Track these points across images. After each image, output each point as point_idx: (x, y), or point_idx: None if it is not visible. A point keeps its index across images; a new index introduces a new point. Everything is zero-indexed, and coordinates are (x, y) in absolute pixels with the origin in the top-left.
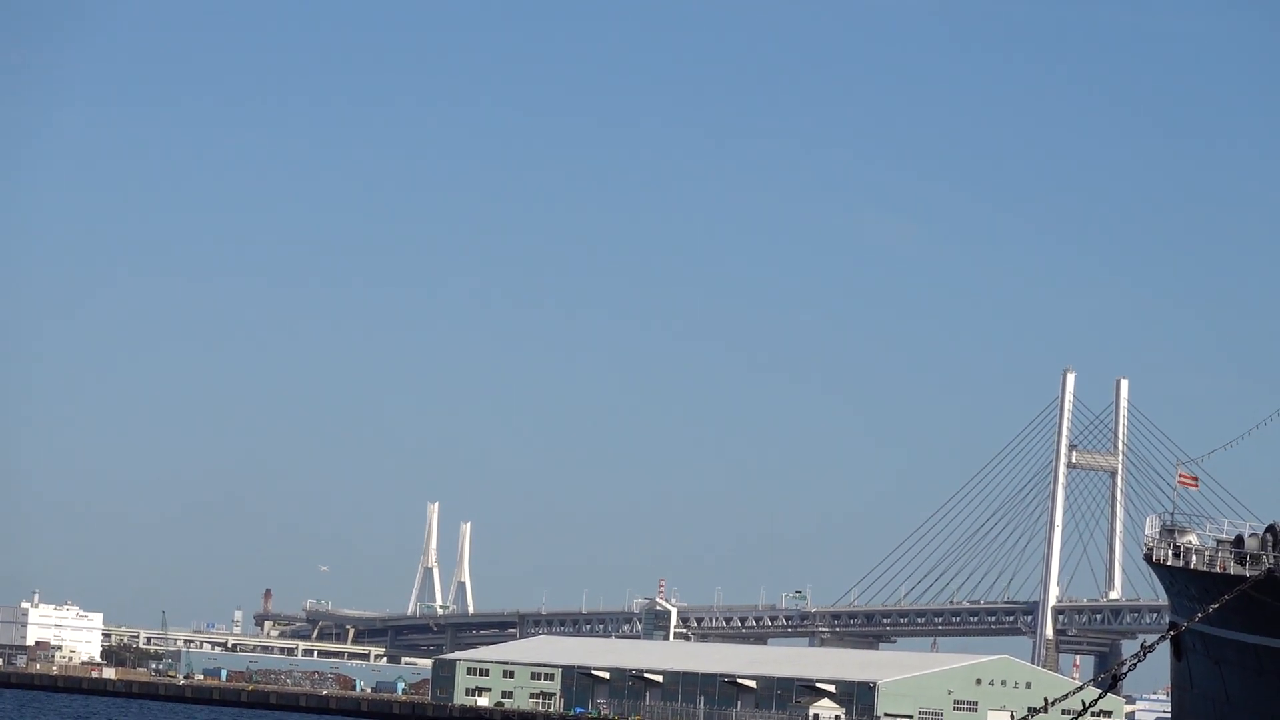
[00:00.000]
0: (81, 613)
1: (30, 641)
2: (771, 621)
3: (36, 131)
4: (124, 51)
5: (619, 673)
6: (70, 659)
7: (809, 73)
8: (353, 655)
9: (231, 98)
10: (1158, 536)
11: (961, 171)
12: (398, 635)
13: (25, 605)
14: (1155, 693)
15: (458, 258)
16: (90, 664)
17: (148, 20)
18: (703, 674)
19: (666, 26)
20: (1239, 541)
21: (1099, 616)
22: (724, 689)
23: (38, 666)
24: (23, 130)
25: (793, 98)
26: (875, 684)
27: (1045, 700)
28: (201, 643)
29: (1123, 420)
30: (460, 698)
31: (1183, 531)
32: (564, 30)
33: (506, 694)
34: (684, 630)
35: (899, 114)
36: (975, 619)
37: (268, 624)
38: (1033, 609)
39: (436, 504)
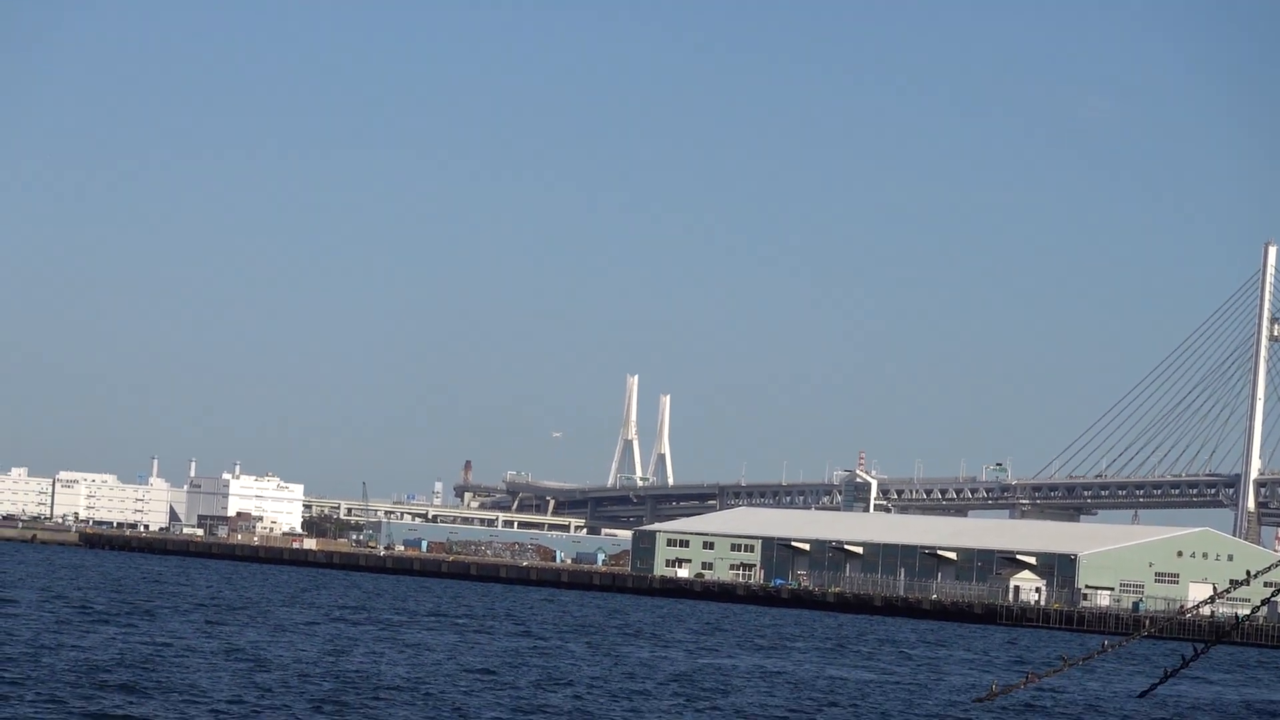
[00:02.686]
0: (282, 484)
1: (232, 512)
2: (971, 494)
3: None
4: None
5: (819, 544)
6: (271, 530)
7: None
8: (553, 527)
9: None
10: None
11: (1160, 43)
12: (597, 507)
13: (227, 476)
14: None
15: (656, 151)
16: (291, 535)
17: None
18: (902, 546)
19: None
20: None
21: None
22: (924, 560)
23: (239, 537)
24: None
25: None
26: (1076, 556)
27: (1247, 573)
28: (402, 514)
29: None
30: (660, 569)
31: None
32: None
33: (706, 565)
34: (884, 502)
35: None
36: (1176, 491)
37: (468, 495)
38: (1234, 482)
39: (636, 377)
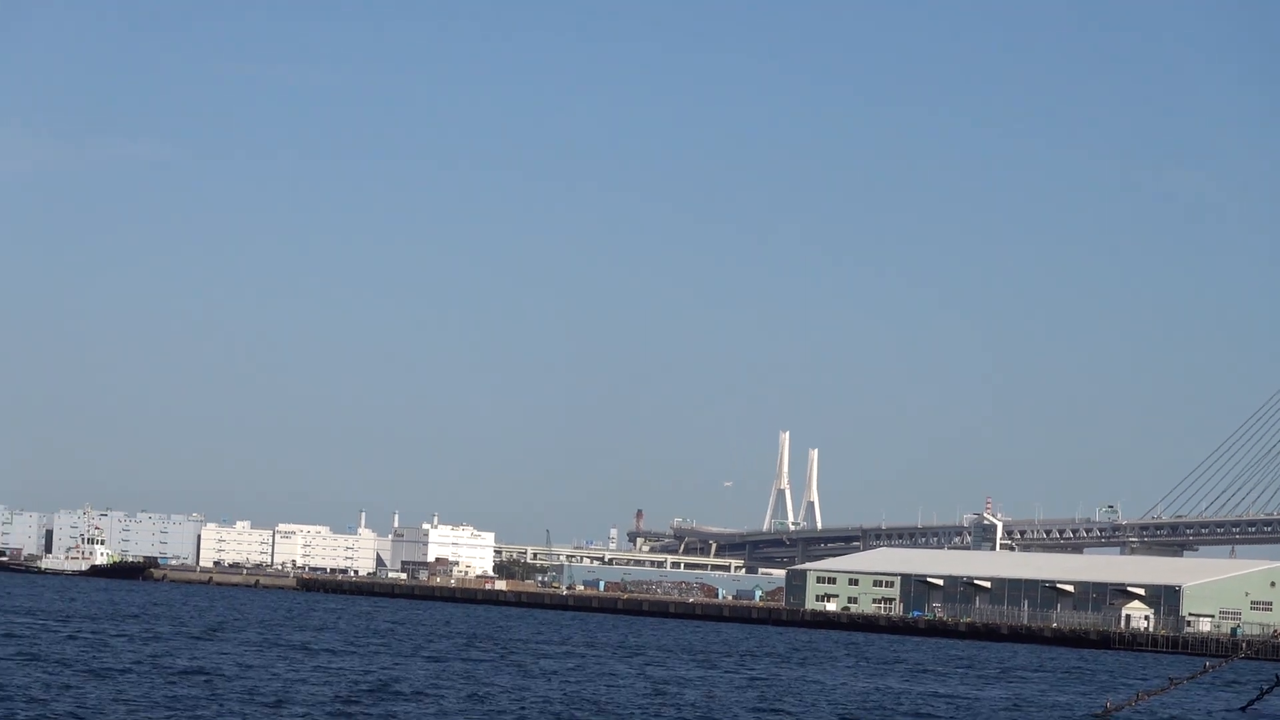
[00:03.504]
0: (476, 532)
1: (431, 558)
2: (1086, 533)
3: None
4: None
5: (951, 580)
6: (466, 573)
7: None
8: (715, 567)
9: None
10: None
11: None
12: (755, 549)
13: (426, 526)
14: None
15: (787, 203)
16: (484, 577)
17: None
18: (1026, 580)
19: None
20: None
21: None
22: (1045, 593)
23: (438, 580)
24: None
25: None
26: (1180, 587)
27: None
28: (581, 557)
29: None
30: (811, 603)
31: None
32: None
33: (852, 599)
34: (1008, 542)
35: None
36: (1270, 529)
37: (639, 540)
38: None
39: (787, 432)
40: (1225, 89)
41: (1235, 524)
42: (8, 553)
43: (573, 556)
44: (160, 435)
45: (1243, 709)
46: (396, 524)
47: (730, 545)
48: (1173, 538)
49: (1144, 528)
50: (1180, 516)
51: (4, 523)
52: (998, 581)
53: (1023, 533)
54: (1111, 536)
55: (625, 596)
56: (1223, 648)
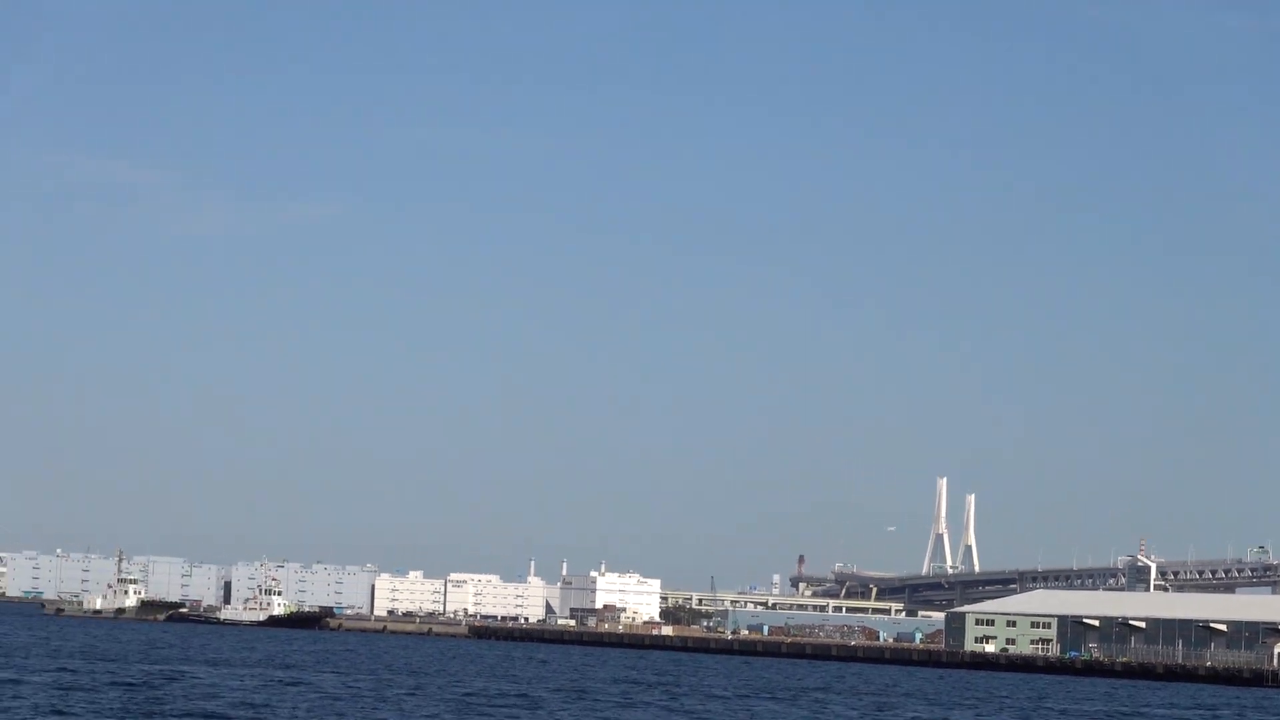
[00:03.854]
0: (642, 579)
1: (599, 604)
2: (1238, 573)
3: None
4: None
5: (1107, 620)
6: (634, 619)
7: None
8: (875, 610)
9: None
10: None
11: None
12: (914, 592)
13: (594, 574)
14: None
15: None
16: (650, 623)
17: None
18: (1180, 620)
19: None
20: None
21: None
22: (1199, 633)
23: (605, 626)
24: None
25: None
26: None
27: None
28: (745, 603)
29: None
30: (970, 644)
31: None
32: None
33: (1010, 641)
34: (1162, 582)
35: None
36: None
37: (801, 585)
38: None
39: (945, 478)
40: None
41: None
42: (187, 604)
43: (736, 602)
44: (335, 487)
45: None
46: (565, 571)
47: (890, 589)
48: None
49: None
50: None
51: (184, 575)
52: (1152, 621)
53: (1176, 573)
54: (1263, 576)
55: (789, 640)
56: None
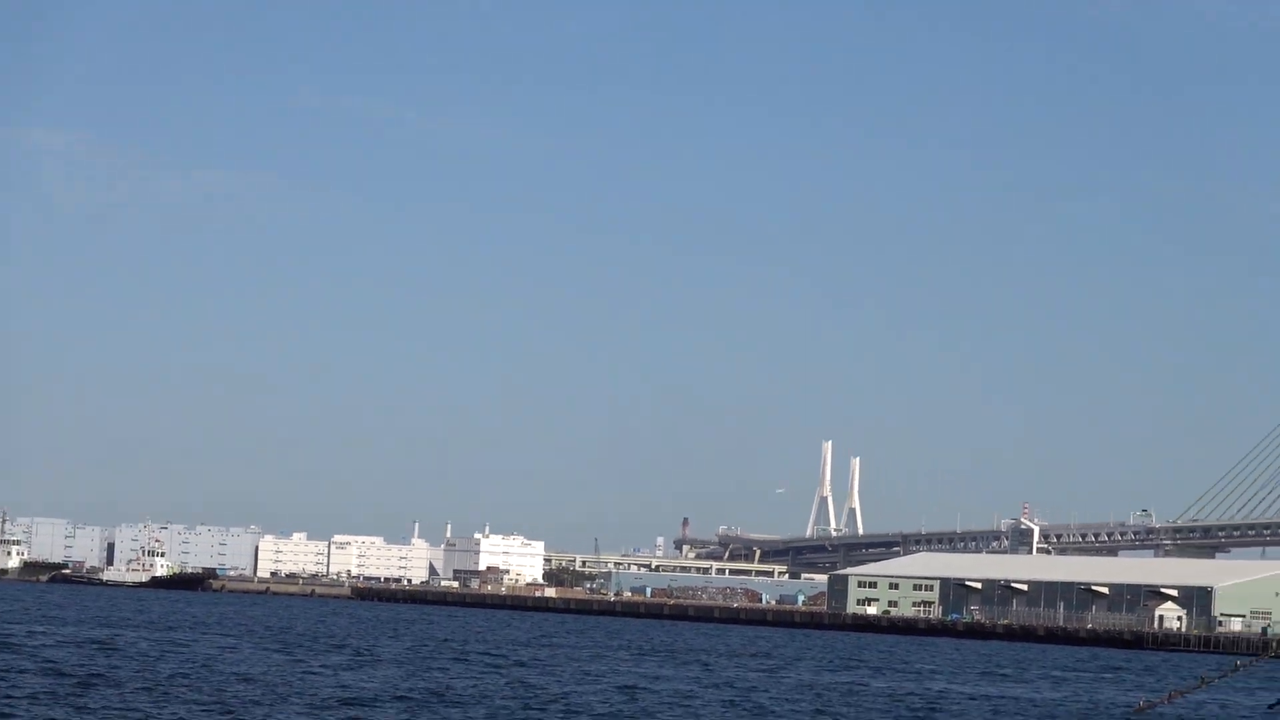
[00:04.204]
0: (526, 541)
1: (483, 566)
2: (1121, 536)
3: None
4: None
5: (989, 583)
6: (517, 581)
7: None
8: (759, 573)
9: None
10: None
11: None
12: (797, 555)
13: (478, 536)
14: None
15: (823, 217)
16: (534, 585)
17: None
18: (1062, 583)
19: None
20: None
21: None
22: (1080, 595)
23: (489, 588)
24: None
25: None
26: (1212, 588)
27: None
28: (629, 565)
29: None
30: (852, 607)
31: None
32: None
33: (892, 603)
34: (1044, 546)
35: None
36: None
37: (685, 547)
38: None
39: (830, 441)
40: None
41: (1266, 526)
42: (70, 565)
43: (620, 564)
44: (218, 449)
45: (1270, 707)
46: (449, 534)
47: (774, 552)
48: (1205, 540)
49: (1177, 530)
50: (1212, 519)
51: (68, 536)
52: (1034, 584)
53: (1059, 536)
54: (1145, 539)
55: (671, 603)
56: (1253, 647)
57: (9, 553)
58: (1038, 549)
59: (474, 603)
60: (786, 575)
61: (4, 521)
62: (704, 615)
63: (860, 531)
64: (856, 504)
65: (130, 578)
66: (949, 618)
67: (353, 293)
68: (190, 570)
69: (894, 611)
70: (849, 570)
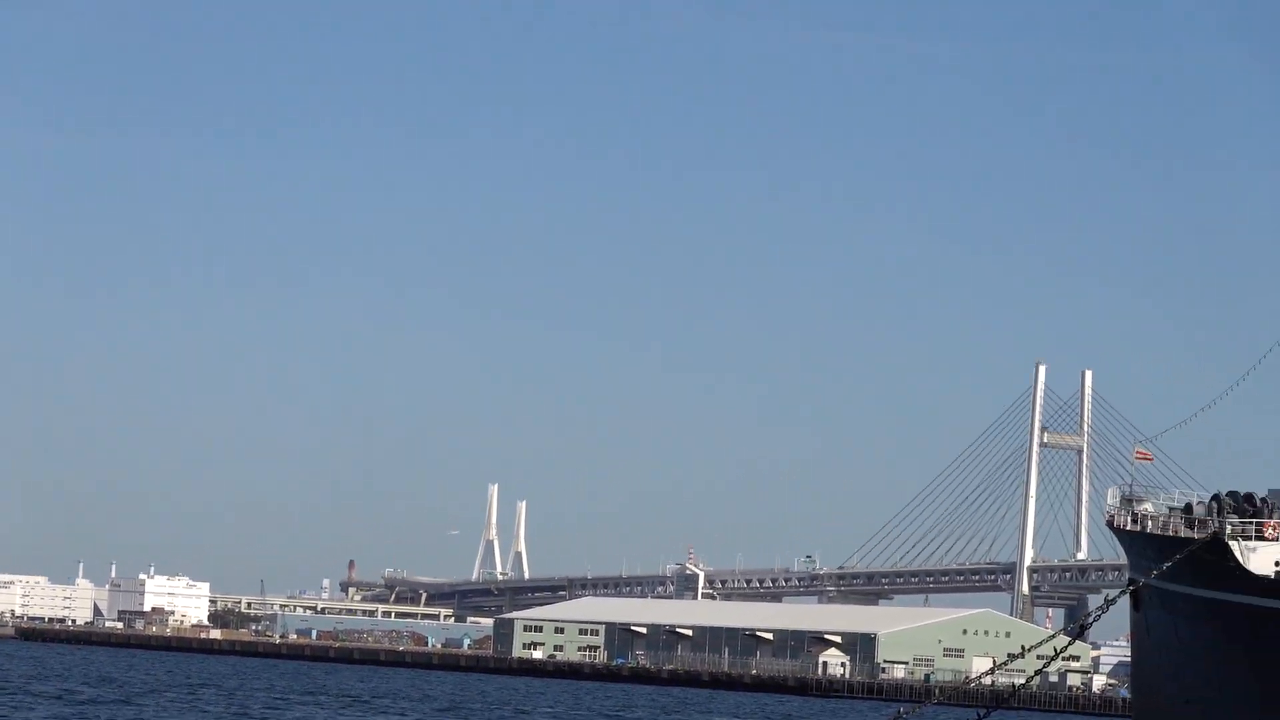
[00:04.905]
0: (191, 582)
1: (147, 607)
2: (785, 582)
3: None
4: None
5: (654, 628)
6: (182, 622)
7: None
8: (425, 616)
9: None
10: (1118, 505)
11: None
12: (464, 598)
13: (143, 576)
14: (1117, 639)
15: (504, 258)
16: (199, 626)
17: None
18: (727, 628)
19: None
20: (1189, 509)
21: (1068, 574)
22: (745, 641)
23: (154, 629)
24: None
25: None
26: (876, 635)
27: (1022, 647)
28: (295, 607)
29: (1087, 405)
30: (518, 651)
31: (1139, 500)
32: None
33: (558, 648)
34: (710, 591)
35: (876, 116)
36: (961, 578)
37: (351, 590)
38: (1011, 569)
39: (496, 485)
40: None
41: (928, 573)
42: None
43: (286, 606)
44: None
45: None
46: (114, 574)
47: (440, 595)
48: (869, 586)
49: (841, 577)
50: (875, 566)
51: None
52: (699, 629)
53: (724, 582)
54: (810, 585)
55: (337, 645)
56: (916, 694)
57: None
58: (703, 594)
59: (139, 644)
60: (453, 619)
61: None
62: (370, 659)
63: (526, 575)
64: (523, 548)
65: None
66: (615, 662)
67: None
68: None
69: (560, 655)
70: (515, 614)
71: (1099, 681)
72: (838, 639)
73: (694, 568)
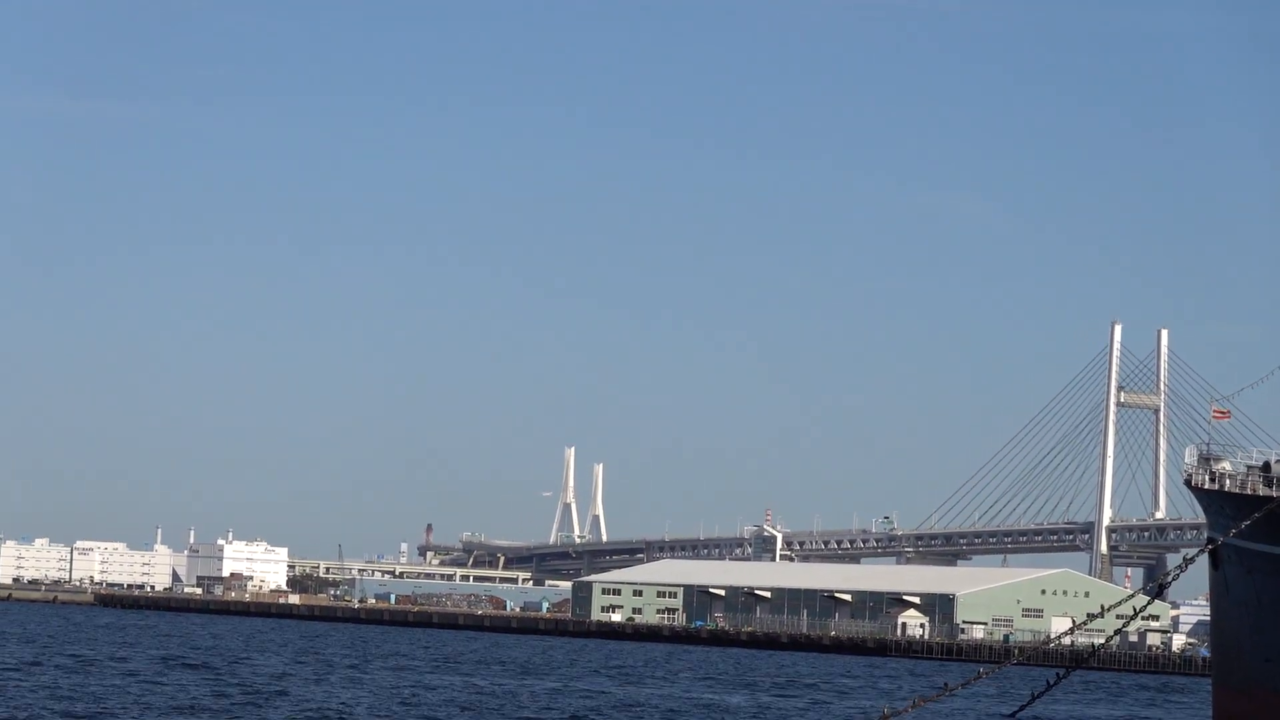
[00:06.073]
0: (269, 547)
1: (226, 573)
2: (863, 543)
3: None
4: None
5: (732, 590)
6: (260, 588)
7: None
8: (503, 580)
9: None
10: (1196, 464)
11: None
12: (542, 562)
13: (221, 542)
14: (1196, 599)
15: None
16: (277, 591)
17: None
18: (805, 590)
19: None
20: (1266, 467)
21: (1146, 534)
22: (823, 602)
23: (232, 595)
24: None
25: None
26: (954, 595)
27: (1101, 607)
28: (373, 571)
29: (1164, 364)
30: (596, 614)
31: (1217, 459)
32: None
33: (636, 610)
34: (787, 553)
35: (937, 85)
36: (1040, 538)
37: (429, 554)
38: (1089, 528)
39: (573, 448)
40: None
41: (1007, 534)
42: None
43: (364, 570)
44: None
45: (1010, 715)
46: (192, 540)
47: (518, 559)
48: (947, 547)
49: (919, 538)
50: (954, 527)
51: None
52: (777, 591)
53: (802, 543)
54: (888, 547)
55: (415, 609)
56: (995, 654)
57: None
58: (781, 556)
59: (218, 610)
60: (531, 582)
61: None
62: (448, 623)
63: (604, 538)
64: (600, 510)
65: None
66: (693, 625)
67: (93, 296)
68: None
69: (638, 618)
70: (593, 577)
71: (1179, 641)
72: (916, 600)
73: (771, 529)
